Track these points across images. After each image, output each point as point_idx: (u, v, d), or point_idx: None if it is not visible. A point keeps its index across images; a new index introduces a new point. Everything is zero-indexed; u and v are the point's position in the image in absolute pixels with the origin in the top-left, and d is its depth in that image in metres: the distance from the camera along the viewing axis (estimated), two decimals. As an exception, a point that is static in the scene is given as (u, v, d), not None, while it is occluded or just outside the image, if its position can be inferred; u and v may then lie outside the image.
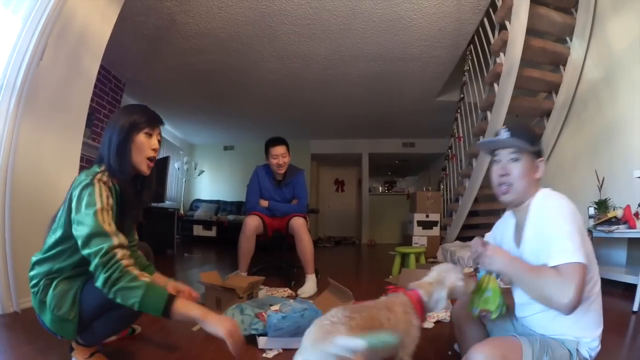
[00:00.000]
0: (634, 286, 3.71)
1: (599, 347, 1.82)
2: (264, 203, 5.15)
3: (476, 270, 2.13)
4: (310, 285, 4.63)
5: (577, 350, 1.77)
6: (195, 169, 13.86)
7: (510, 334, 1.95)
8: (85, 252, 1.89)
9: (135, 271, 1.88)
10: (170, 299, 1.86)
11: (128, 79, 8.48)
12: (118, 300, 1.84)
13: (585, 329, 1.79)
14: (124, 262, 1.86)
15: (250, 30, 6.78)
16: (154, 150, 2.35)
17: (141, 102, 9.56)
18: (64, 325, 2.06)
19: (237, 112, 11.25)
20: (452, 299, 2.11)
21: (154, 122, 2.38)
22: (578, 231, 1.69)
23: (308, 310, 2.80)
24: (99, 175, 2.06)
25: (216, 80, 8.88)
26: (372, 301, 2.00)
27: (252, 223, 4.83)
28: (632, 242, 4.57)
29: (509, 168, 1.93)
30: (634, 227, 4.19)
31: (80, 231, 1.91)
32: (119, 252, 1.87)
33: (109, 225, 1.94)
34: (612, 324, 3.39)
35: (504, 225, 2.18)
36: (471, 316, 2.13)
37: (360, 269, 8.28)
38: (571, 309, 1.60)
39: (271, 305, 3.27)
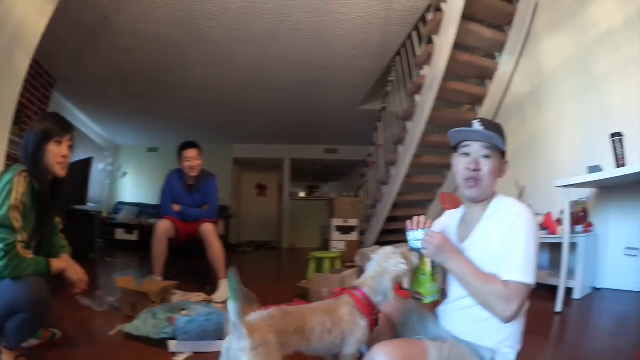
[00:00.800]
0: (556, 288, 3.78)
1: None
2: (176, 207, 5.08)
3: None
4: (223, 290, 4.53)
5: (491, 359, 1.74)
6: (118, 170, 13.34)
7: (423, 336, 1.88)
8: None
9: (27, 256, 2.25)
10: (48, 262, 2.39)
11: (60, 75, 8.04)
12: (19, 274, 2.20)
13: (506, 339, 1.75)
14: (21, 253, 2.21)
15: (180, 33, 6.63)
16: (63, 156, 2.53)
17: (72, 99, 9.41)
18: None
19: (163, 114, 10.97)
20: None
21: (62, 130, 2.55)
22: (537, 253, 1.69)
23: (214, 315, 2.94)
24: (21, 172, 2.33)
25: (144, 81, 8.62)
26: (314, 304, 2.00)
27: (162, 227, 4.79)
28: (554, 247, 4.64)
29: (481, 163, 1.84)
30: (555, 233, 4.33)
31: None
32: (19, 246, 2.20)
33: (17, 222, 2.22)
34: (537, 326, 3.45)
35: (447, 219, 2.16)
36: (381, 317, 2.07)
37: (277, 273, 8.30)
38: (509, 321, 1.65)
39: (183, 309, 3.28)
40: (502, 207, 1.84)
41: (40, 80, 7.54)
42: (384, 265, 1.99)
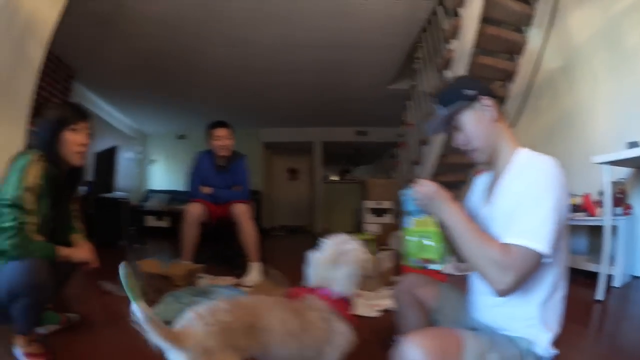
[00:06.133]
0: (595, 274, 3.60)
1: (555, 350, 1.53)
2: (207, 190, 4.97)
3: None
4: (254, 274, 4.46)
5: (528, 349, 1.49)
6: (147, 158, 13.43)
7: (460, 325, 1.70)
8: (3, 210, 2.16)
9: (36, 239, 2.22)
10: (54, 248, 2.32)
11: (79, 67, 8.03)
12: (27, 255, 2.15)
13: (540, 331, 1.51)
14: (30, 235, 2.18)
15: (198, 14, 6.49)
16: (83, 145, 2.51)
17: (94, 90, 9.49)
18: None
19: (188, 100, 10.90)
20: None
21: (77, 117, 2.49)
22: (556, 215, 1.41)
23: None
24: (37, 156, 2.28)
25: (166, 67, 8.53)
26: (277, 298, 1.71)
27: (194, 210, 4.67)
28: (593, 230, 4.52)
29: (460, 138, 1.74)
30: (594, 215, 4.10)
31: (5, 195, 2.17)
32: (29, 227, 2.18)
33: (30, 204, 2.20)
34: (576, 314, 3.25)
35: (477, 185, 1.94)
36: (413, 302, 1.92)
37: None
38: (504, 295, 1.40)
39: (205, 293, 3.24)
40: (521, 160, 1.61)
41: (60, 73, 7.59)
42: (340, 249, 1.77)
